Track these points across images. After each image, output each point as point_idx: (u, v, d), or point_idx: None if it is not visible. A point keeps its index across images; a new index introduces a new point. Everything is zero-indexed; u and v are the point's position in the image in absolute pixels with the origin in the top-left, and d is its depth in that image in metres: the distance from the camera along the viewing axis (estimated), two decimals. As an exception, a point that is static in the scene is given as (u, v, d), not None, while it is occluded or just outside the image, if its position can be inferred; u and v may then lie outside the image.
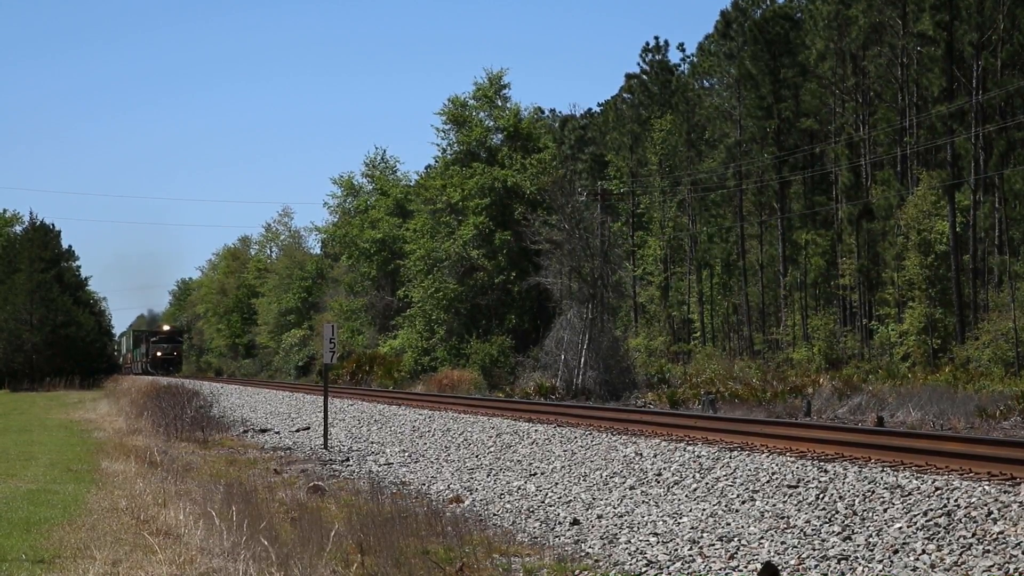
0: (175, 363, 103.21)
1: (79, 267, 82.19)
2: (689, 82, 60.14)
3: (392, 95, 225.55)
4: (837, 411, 28.51)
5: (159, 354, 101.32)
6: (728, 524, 11.89)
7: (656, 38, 68.77)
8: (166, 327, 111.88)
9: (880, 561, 9.82)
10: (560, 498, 14.73)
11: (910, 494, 11.46)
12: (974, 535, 9.97)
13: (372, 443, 23.78)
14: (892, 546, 10.11)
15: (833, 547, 10.39)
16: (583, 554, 11.32)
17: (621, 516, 13.09)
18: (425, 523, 12.43)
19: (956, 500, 10.92)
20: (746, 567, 10.19)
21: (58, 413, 34.43)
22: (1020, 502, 10.51)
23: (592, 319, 40.08)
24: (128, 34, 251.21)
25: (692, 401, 33.06)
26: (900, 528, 10.54)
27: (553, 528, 12.87)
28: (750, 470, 14.08)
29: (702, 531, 11.71)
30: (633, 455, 16.56)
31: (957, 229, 39.66)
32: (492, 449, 19.91)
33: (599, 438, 18.66)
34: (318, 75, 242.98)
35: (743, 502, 12.76)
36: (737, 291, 54.13)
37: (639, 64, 61.79)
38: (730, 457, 15.08)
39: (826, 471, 13.17)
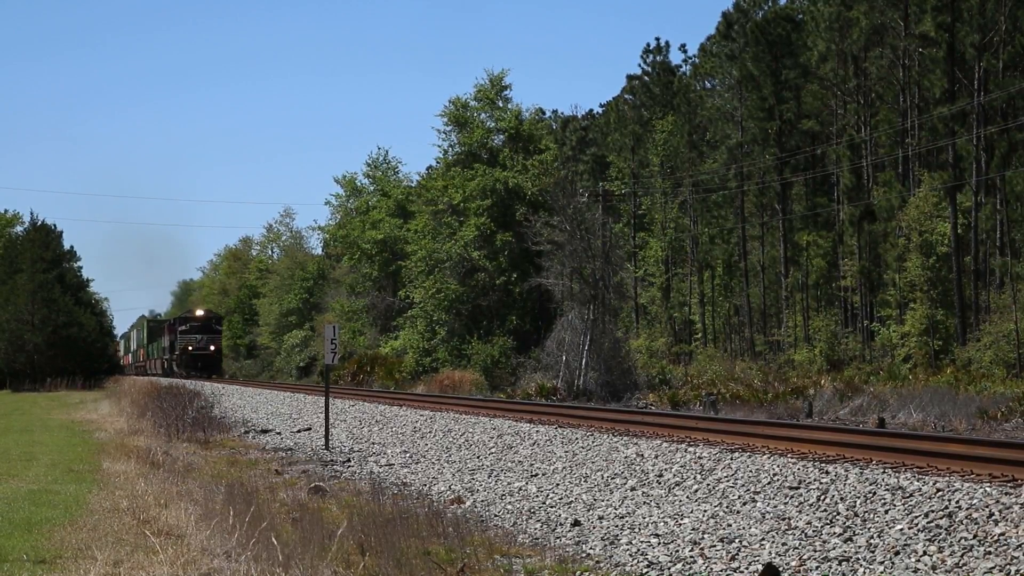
0: (213, 362, 77.92)
1: (80, 268, 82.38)
2: (690, 83, 60.12)
3: (393, 96, 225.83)
4: (838, 412, 28.51)
5: (190, 348, 76.60)
6: (729, 525, 11.89)
7: (657, 39, 68.77)
8: (199, 311, 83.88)
9: (881, 563, 9.82)
10: (561, 499, 14.73)
11: (911, 495, 11.46)
12: (975, 537, 9.97)
13: (373, 444, 23.78)
14: (893, 547, 10.11)
15: (834, 548, 10.39)
16: (584, 555, 11.32)
17: (622, 517, 13.09)
18: (426, 524, 12.43)
19: (957, 502, 10.92)
20: (747, 568, 10.19)
21: (59, 413, 34.44)
22: (1021, 504, 10.51)
23: (593, 320, 40.08)
24: (129, 34, 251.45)
25: (693, 402, 33.06)
26: (901, 529, 10.55)
27: (554, 529, 12.87)
28: (751, 471, 14.08)
29: (703, 532, 11.72)
30: (634, 456, 16.56)
31: (958, 231, 39.65)
32: (493, 450, 19.91)
33: (600, 439, 18.66)
34: (320, 76, 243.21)
35: (744, 503, 12.77)
36: (738, 292, 54.12)
37: (640, 65, 61.80)
38: (731, 458, 15.08)
39: (827, 472, 13.17)
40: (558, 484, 15.83)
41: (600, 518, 13.23)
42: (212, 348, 77.67)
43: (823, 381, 33.58)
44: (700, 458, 15.47)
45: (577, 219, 41.77)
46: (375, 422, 27.74)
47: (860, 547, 10.31)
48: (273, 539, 9.91)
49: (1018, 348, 34.95)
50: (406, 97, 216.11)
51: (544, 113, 67.75)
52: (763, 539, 11.12)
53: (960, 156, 40.67)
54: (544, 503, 14.61)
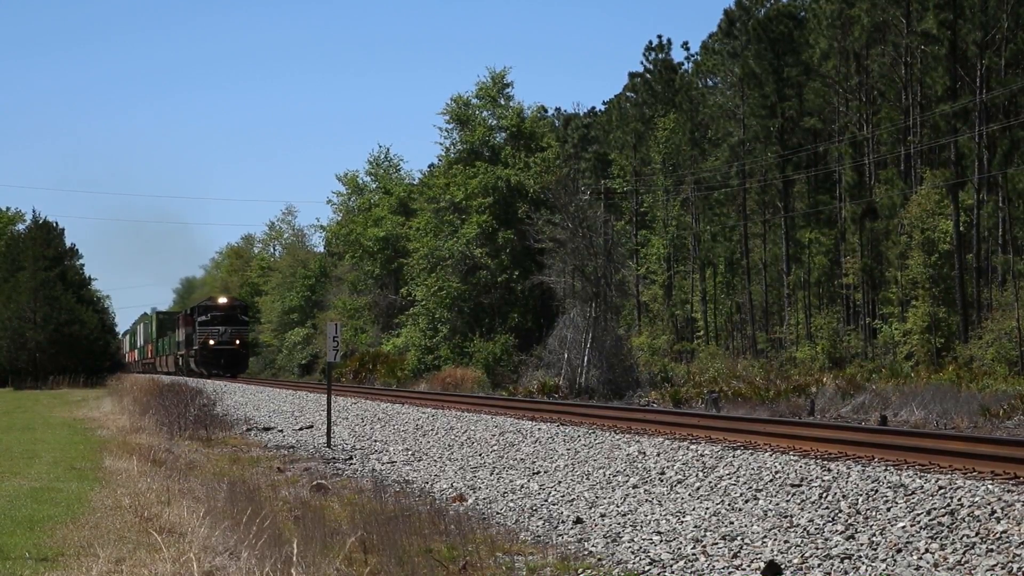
0: (239, 358, 68.26)
1: (82, 265, 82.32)
2: (692, 81, 60.08)
3: (395, 94, 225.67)
4: (840, 410, 28.50)
5: (212, 342, 66.29)
6: (731, 523, 11.89)
7: (659, 36, 68.69)
8: (222, 298, 72.65)
9: (883, 560, 9.82)
10: (563, 497, 14.73)
11: (913, 493, 11.46)
12: (977, 534, 9.97)
13: (375, 442, 23.79)
14: (895, 545, 10.11)
15: (836, 546, 10.39)
16: (586, 553, 11.32)
17: (624, 515, 13.09)
18: (428, 522, 12.43)
19: (959, 499, 10.92)
20: (749, 566, 10.19)
21: (61, 411, 34.46)
22: (1023, 501, 10.51)
23: (595, 318, 40.07)
24: (131, 33, 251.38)
25: (695, 400, 33.06)
26: (903, 527, 10.54)
27: (556, 527, 12.87)
28: (753, 469, 14.08)
29: (705, 530, 11.72)
30: (636, 454, 16.56)
31: (960, 228, 39.65)
32: (495, 448, 19.91)
33: (602, 437, 18.66)
34: (321, 74, 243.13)
35: (746, 501, 12.76)
36: (740, 290, 54.09)
37: (642, 63, 61.71)
38: (733, 456, 15.08)
39: (829, 470, 13.17)
40: (560, 482, 15.83)
41: (602, 516, 13.23)
42: (238, 342, 67.55)
43: (825, 379, 33.55)
44: (702, 456, 15.47)
45: (579, 217, 41.76)
46: (377, 420, 27.74)
47: (862, 545, 10.31)
48: (266, 538, 9.91)
49: (1020, 345, 34.94)
50: (408, 95, 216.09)
51: (546, 111, 67.77)
52: (765, 537, 11.12)
53: (962, 154, 40.66)
54: (546, 501, 14.61)
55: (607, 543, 11.71)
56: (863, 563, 9.83)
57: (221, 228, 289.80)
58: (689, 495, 13.63)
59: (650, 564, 10.63)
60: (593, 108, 70.98)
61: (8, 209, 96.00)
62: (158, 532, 10.53)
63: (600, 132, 63.96)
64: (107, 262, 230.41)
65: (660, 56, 60.80)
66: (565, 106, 73.08)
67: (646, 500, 13.75)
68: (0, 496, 13.84)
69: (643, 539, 11.67)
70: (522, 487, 15.82)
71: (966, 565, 9.37)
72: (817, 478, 12.93)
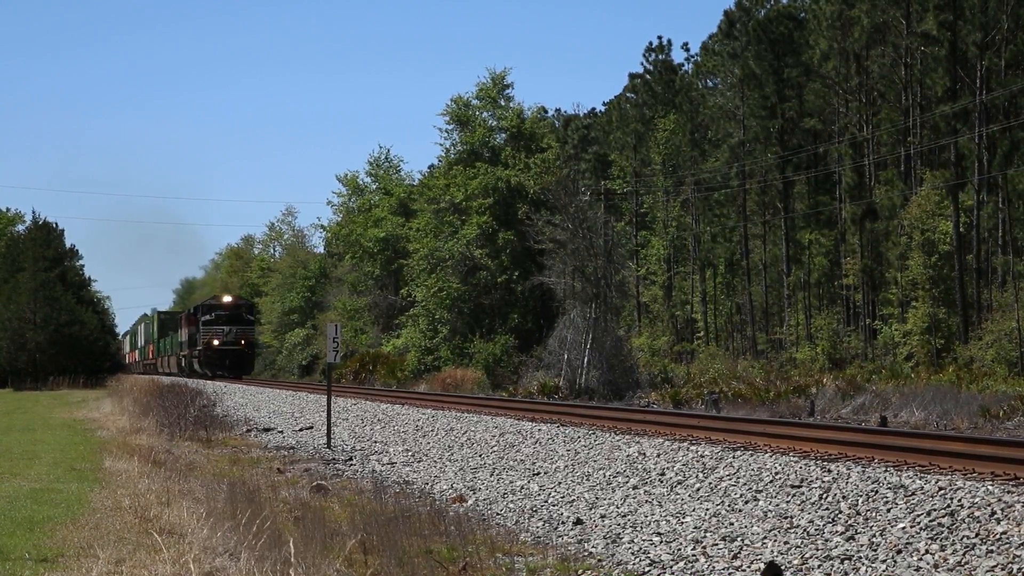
0: (244, 358, 66.31)
1: (82, 266, 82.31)
2: (693, 82, 60.08)
3: (395, 94, 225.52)
4: (840, 411, 28.49)
5: (216, 343, 64.29)
6: (731, 524, 11.89)
7: (659, 37, 68.77)
8: (227, 297, 70.48)
9: (883, 561, 9.82)
10: (563, 498, 14.73)
11: (913, 494, 11.46)
12: (977, 535, 9.97)
13: (375, 442, 23.79)
14: (895, 546, 10.11)
15: (836, 547, 10.39)
16: (586, 554, 11.32)
17: (624, 516, 13.09)
18: (428, 522, 12.44)
19: (959, 500, 10.92)
20: (749, 567, 10.19)
21: (61, 412, 34.45)
22: (1023, 502, 10.51)
23: (595, 319, 40.07)
24: (131, 33, 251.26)
25: (695, 401, 33.05)
26: (903, 528, 10.54)
27: (556, 528, 12.87)
28: (753, 470, 14.08)
29: (705, 531, 11.72)
30: (636, 455, 16.56)
31: (960, 229, 39.65)
32: (495, 448, 19.91)
33: (602, 438, 18.66)
34: (321, 74, 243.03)
35: (746, 502, 12.76)
36: (740, 291, 54.09)
37: (642, 64, 61.71)
38: (733, 457, 15.08)
39: (829, 471, 13.17)
40: (560, 483, 15.83)
41: (602, 516, 13.23)
42: (243, 342, 65.43)
43: (825, 380, 33.53)
44: (702, 456, 15.47)
45: (579, 218, 41.75)
46: (377, 421, 27.74)
47: (862, 546, 10.31)
48: (266, 539, 9.91)
49: (1020, 346, 34.94)
50: (408, 95, 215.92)
51: (546, 111, 67.81)
52: (765, 537, 11.12)
53: (962, 154, 40.66)
54: (546, 502, 14.61)
55: (607, 544, 11.71)
56: (863, 564, 9.83)
57: (221, 228, 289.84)
58: (689, 496, 13.63)
59: (650, 565, 10.63)
60: (593, 109, 71.04)
61: (8, 210, 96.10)
62: (158, 533, 10.52)
63: (600, 133, 63.96)
64: (107, 263, 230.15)
65: (660, 57, 60.80)
66: (565, 107, 73.24)
67: (646, 501, 13.75)
68: (0, 497, 13.84)
69: (643, 540, 11.67)
70: (522, 488, 15.82)
71: (966, 566, 9.37)
72: (817, 479, 12.93)
